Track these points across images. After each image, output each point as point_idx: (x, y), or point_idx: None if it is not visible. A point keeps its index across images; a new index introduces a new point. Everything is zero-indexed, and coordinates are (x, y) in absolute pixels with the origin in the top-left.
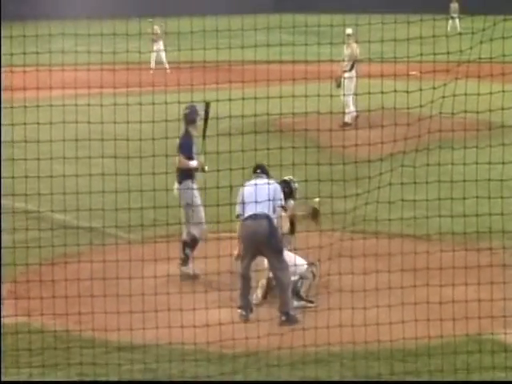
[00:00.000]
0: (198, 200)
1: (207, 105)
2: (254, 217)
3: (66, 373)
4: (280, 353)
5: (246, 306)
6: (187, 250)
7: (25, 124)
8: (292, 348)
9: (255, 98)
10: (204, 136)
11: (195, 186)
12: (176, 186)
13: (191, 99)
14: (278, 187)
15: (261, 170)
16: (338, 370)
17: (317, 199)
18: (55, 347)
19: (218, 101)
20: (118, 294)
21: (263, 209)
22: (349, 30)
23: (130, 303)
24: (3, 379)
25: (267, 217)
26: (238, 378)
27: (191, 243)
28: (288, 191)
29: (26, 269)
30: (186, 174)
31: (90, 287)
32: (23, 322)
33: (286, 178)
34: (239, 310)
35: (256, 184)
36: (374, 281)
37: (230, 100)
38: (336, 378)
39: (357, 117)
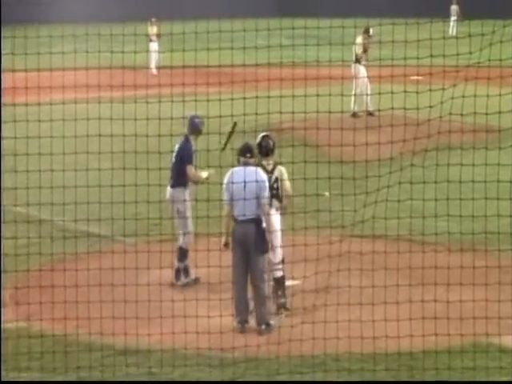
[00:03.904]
0: (187, 208)
1: (235, 124)
2: (244, 221)
3: (64, 377)
4: (285, 354)
5: (242, 319)
6: (181, 264)
7: (27, 121)
8: (301, 349)
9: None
10: (223, 148)
11: (187, 194)
12: (168, 189)
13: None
14: (266, 181)
15: (250, 154)
16: (345, 371)
17: (327, 193)
18: (54, 351)
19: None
20: (117, 298)
21: (252, 210)
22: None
23: (125, 307)
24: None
25: (256, 220)
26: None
27: (180, 255)
28: (271, 147)
29: (27, 274)
30: (181, 181)
31: (89, 292)
32: (23, 327)
33: (264, 133)
34: (235, 322)
35: (245, 176)
36: (382, 281)
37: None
38: (342, 378)
39: (354, 114)
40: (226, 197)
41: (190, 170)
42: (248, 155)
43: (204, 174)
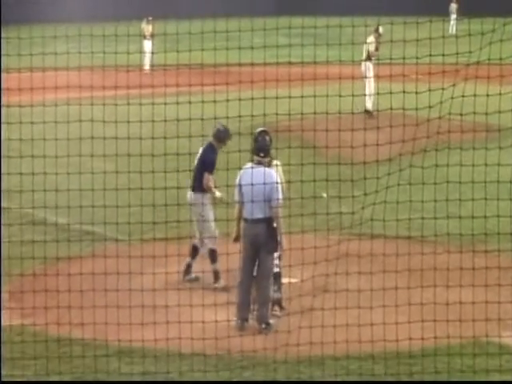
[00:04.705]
0: (209, 211)
1: None
2: (254, 221)
3: (59, 378)
4: (282, 354)
5: (242, 317)
6: (213, 265)
7: (20, 123)
8: (299, 349)
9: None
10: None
11: (206, 199)
12: (189, 192)
13: (177, 101)
14: (278, 183)
15: (264, 154)
16: (343, 370)
17: (324, 194)
18: (47, 355)
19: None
20: (111, 299)
21: (263, 210)
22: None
23: (119, 308)
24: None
25: (266, 219)
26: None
27: (211, 256)
28: (268, 143)
29: (23, 275)
30: (201, 186)
31: (87, 292)
32: (18, 327)
33: (261, 129)
34: (234, 320)
35: (257, 177)
36: (381, 282)
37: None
38: (341, 378)
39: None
40: (236, 197)
41: (206, 177)
42: (261, 154)
43: (217, 194)
